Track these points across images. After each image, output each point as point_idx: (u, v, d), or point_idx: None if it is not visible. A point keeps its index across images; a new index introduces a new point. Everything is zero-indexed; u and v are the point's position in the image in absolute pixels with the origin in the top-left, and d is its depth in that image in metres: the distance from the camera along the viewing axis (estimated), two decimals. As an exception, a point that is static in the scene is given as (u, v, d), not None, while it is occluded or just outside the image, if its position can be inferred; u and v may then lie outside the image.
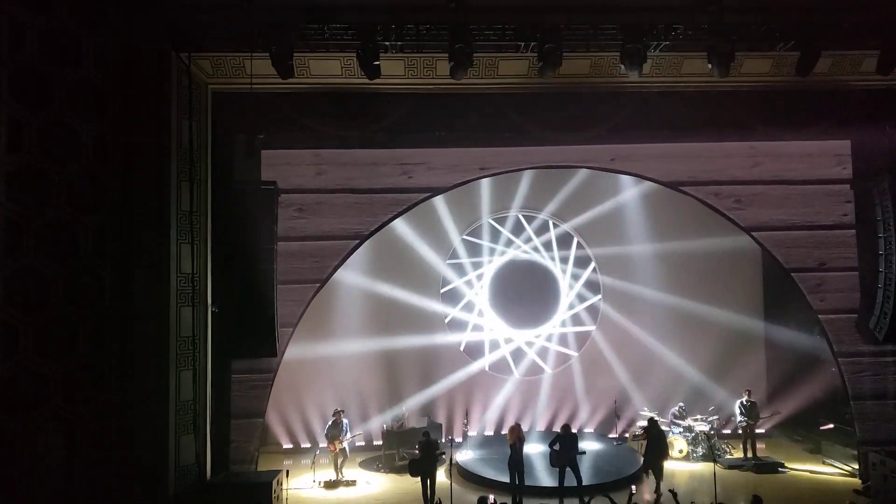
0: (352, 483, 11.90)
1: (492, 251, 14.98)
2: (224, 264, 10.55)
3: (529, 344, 15.05)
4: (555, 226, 14.99)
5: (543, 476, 11.44)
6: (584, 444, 11.23)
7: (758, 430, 13.17)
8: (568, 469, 10.78)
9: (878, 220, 11.57)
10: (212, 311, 10.37)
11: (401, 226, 13.01)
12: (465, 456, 12.90)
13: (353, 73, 10.11)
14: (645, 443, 11.25)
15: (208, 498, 9.64)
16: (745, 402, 12.93)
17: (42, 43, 9.08)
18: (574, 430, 11.31)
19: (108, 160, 9.48)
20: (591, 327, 15.00)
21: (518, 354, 15.03)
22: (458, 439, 13.71)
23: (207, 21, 9.45)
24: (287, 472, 10.50)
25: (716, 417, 13.48)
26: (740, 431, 13.04)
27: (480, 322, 14.97)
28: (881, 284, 11.47)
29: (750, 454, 12.72)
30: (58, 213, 9.14)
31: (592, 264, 15.01)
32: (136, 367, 9.45)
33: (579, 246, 14.99)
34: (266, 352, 10.84)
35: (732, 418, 13.12)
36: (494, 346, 14.99)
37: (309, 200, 11.67)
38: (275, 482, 9.77)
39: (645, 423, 11.34)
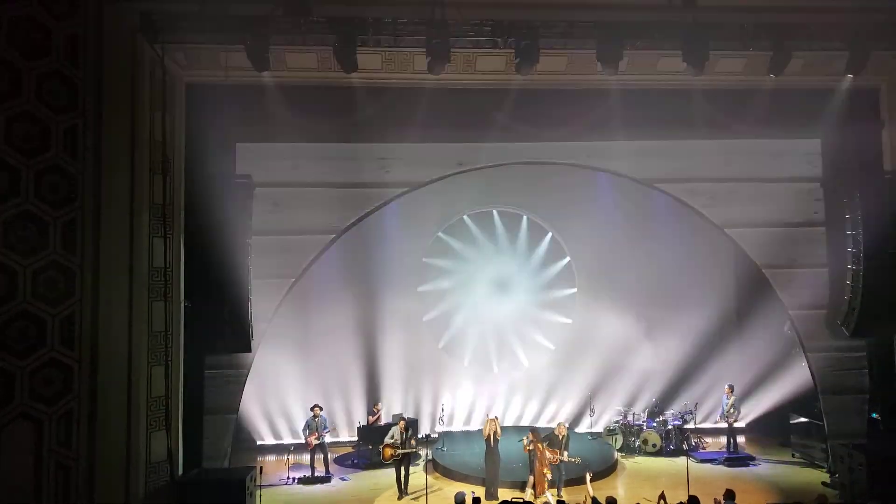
0: (327, 479, 11.85)
1: (468, 247, 14.97)
2: (197, 258, 10.44)
3: (505, 339, 15.08)
4: (530, 221, 15.04)
5: (521, 469, 11.49)
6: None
7: (737, 425, 13.36)
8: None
9: (847, 217, 11.79)
10: (185, 306, 10.26)
11: (378, 221, 12.94)
12: (440, 450, 12.91)
13: (330, 66, 10.06)
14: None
15: (180, 494, 9.55)
16: (728, 398, 13.08)
17: (11, 33, 8.93)
18: (566, 431, 11.22)
19: (78, 153, 9.32)
20: (567, 321, 15.08)
21: (494, 349, 15.06)
22: (434, 434, 13.71)
23: (182, 12, 9.34)
24: (261, 468, 10.42)
25: (689, 412, 13.64)
26: (725, 425, 13.21)
27: (457, 317, 14.95)
28: (850, 281, 11.68)
29: (732, 448, 12.93)
30: (26, 207, 8.96)
31: (567, 259, 15.09)
32: (106, 363, 9.31)
33: (555, 242, 15.06)
34: (240, 347, 10.73)
35: (721, 413, 13.21)
36: (470, 341, 15.00)
37: (284, 194, 11.52)
38: (248, 478, 9.68)
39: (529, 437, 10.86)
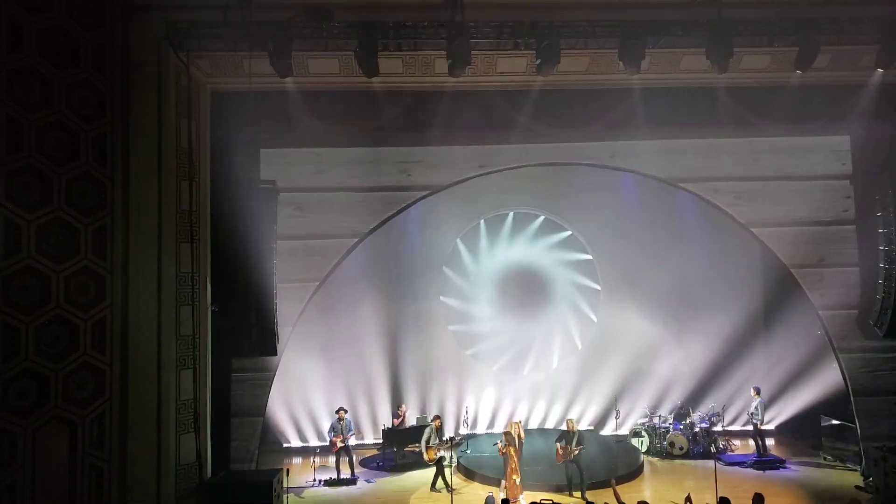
0: (352, 481, 11.92)
1: (491, 249, 14.96)
2: (223, 263, 10.58)
3: (529, 341, 15.02)
4: (554, 223, 14.96)
5: (545, 472, 11.45)
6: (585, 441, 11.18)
7: (764, 428, 13.15)
8: (573, 465, 10.82)
9: (878, 215, 11.55)
10: (211, 310, 10.40)
11: (400, 224, 12.99)
12: (464, 452, 12.90)
13: (352, 71, 10.12)
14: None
15: (209, 497, 9.68)
16: (755, 400, 12.89)
17: (41, 44, 9.12)
18: (578, 427, 11.30)
19: (107, 161, 9.51)
20: (591, 324, 14.98)
21: (518, 352, 15.01)
22: (459, 436, 13.71)
23: (206, 20, 9.47)
24: (287, 470, 10.52)
25: (716, 415, 13.46)
26: (751, 428, 13.03)
27: (480, 320, 14.94)
28: (882, 280, 11.45)
29: (762, 451, 12.72)
30: (58, 214, 9.18)
31: (592, 261, 14.98)
32: (136, 367, 9.48)
33: (578, 243, 14.96)
34: (266, 351, 10.87)
35: (752, 416, 12.98)
36: (494, 343, 14.96)
37: (308, 199, 11.67)
38: (275, 480, 9.79)
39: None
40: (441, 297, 14.66)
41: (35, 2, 8.98)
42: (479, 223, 14.78)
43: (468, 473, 12.16)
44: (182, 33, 9.54)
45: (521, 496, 10.36)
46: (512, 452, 10.51)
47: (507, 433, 11.01)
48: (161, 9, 9.62)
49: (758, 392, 12.97)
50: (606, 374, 14.45)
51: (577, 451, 10.75)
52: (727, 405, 13.74)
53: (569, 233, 14.94)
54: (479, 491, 11.08)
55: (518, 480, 10.45)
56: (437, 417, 11.83)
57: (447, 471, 11.17)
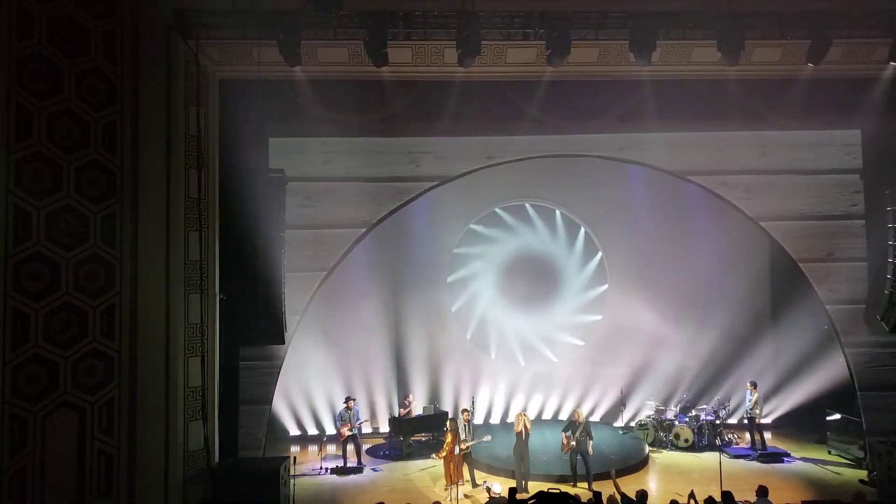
0: (359, 469, 11.99)
1: (499, 240, 14.96)
2: (232, 252, 10.60)
3: (536, 333, 15.04)
4: (562, 215, 14.95)
5: (550, 463, 11.50)
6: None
7: (763, 421, 13.16)
8: (578, 456, 10.90)
9: (888, 210, 11.49)
10: (220, 299, 10.44)
11: (408, 214, 12.99)
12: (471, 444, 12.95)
13: (361, 60, 10.09)
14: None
15: (217, 483, 9.74)
16: (751, 395, 12.91)
17: (50, 32, 9.15)
18: (584, 418, 11.34)
19: (116, 148, 9.54)
20: (598, 316, 14.99)
21: (525, 343, 15.04)
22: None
23: (215, 8, 9.46)
24: (294, 458, 10.58)
25: (722, 408, 13.47)
26: (746, 422, 13.07)
27: (487, 311, 14.96)
28: (890, 275, 11.42)
29: (758, 444, 12.75)
30: (67, 202, 9.22)
31: (599, 253, 14.98)
32: (145, 354, 9.54)
33: (586, 235, 14.95)
34: (273, 339, 10.90)
35: (748, 410, 13.01)
36: (501, 334, 15.00)
37: (316, 188, 11.68)
38: (282, 468, 9.85)
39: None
40: (448, 281, 14.65)
41: (45, -11, 8.99)
42: (487, 214, 14.78)
43: (473, 463, 12.20)
44: (191, 21, 9.51)
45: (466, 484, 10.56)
46: (450, 439, 10.58)
47: (451, 420, 11.13)
48: (170, -4, 9.61)
49: (754, 386, 13.00)
50: (613, 366, 14.48)
51: (574, 438, 10.82)
52: (732, 398, 13.75)
53: (577, 224, 14.92)
54: (481, 481, 11.16)
55: (454, 466, 10.57)
56: (465, 410, 11.70)
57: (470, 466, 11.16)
